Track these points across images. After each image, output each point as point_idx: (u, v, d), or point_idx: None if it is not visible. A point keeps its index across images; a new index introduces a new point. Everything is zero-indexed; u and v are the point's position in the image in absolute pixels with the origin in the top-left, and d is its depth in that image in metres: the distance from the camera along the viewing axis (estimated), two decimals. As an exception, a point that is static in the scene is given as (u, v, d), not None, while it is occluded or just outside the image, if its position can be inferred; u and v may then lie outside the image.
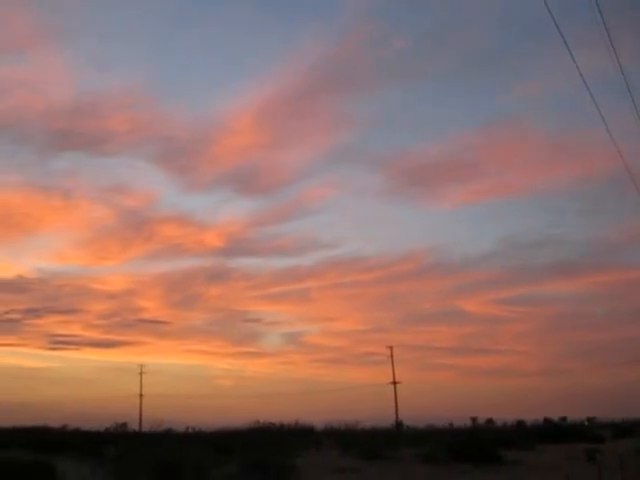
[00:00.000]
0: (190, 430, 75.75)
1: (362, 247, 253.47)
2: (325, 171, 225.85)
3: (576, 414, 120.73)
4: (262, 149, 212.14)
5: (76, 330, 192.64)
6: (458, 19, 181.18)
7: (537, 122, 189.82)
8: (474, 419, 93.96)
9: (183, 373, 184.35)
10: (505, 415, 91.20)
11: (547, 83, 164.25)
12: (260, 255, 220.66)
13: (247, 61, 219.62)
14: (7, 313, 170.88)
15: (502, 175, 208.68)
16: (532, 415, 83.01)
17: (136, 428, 75.60)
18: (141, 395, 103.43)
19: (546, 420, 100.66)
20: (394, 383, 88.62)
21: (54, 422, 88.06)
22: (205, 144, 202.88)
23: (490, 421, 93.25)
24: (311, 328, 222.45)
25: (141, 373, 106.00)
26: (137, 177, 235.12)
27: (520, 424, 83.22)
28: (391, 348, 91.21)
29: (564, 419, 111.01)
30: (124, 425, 67.14)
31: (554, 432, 71.14)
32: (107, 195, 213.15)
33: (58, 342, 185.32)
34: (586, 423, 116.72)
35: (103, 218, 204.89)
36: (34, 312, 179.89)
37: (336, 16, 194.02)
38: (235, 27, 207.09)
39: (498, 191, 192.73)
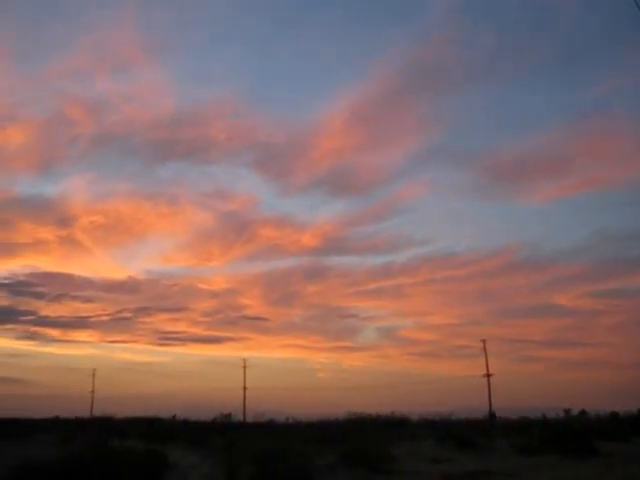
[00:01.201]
0: (290, 421, 77.85)
1: (454, 243, 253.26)
2: (416, 170, 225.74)
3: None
4: (355, 151, 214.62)
5: (183, 327, 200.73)
6: (546, 11, 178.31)
7: (630, 113, 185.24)
8: (567, 411, 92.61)
9: (283, 367, 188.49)
10: (598, 407, 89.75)
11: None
12: (355, 253, 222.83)
13: (339, 65, 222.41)
14: (120, 312, 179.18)
15: (594, 168, 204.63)
16: (626, 407, 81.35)
17: (240, 419, 78.38)
18: (245, 387, 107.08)
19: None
20: (487, 375, 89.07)
21: (164, 413, 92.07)
22: (300, 148, 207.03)
23: (583, 413, 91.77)
24: (405, 323, 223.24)
25: (244, 367, 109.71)
26: (237, 182, 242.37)
27: (614, 416, 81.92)
28: (484, 341, 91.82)
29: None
30: (229, 416, 69.72)
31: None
32: (209, 200, 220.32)
33: (166, 338, 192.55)
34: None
35: (206, 222, 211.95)
36: (144, 310, 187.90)
37: (422, 17, 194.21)
38: (327, 33, 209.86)
39: (590, 184, 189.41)
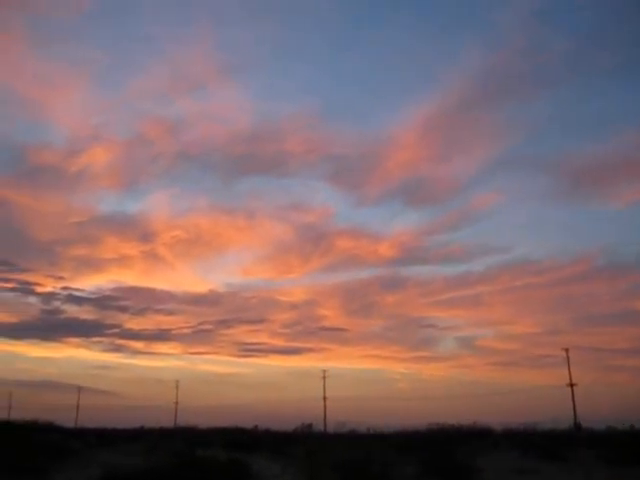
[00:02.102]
0: (371, 431, 77.53)
1: (532, 250, 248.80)
2: (491, 178, 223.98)
3: None
4: (429, 161, 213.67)
5: (263, 338, 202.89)
6: (618, 14, 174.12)
7: None
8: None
9: (363, 377, 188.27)
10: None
11: None
12: (431, 263, 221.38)
13: (410, 77, 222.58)
14: (201, 324, 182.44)
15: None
16: None
17: (321, 429, 78.47)
18: (325, 398, 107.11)
19: None
20: (571, 385, 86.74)
21: (246, 423, 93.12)
22: (374, 160, 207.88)
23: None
24: (485, 332, 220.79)
25: (324, 377, 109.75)
26: (313, 195, 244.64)
27: None
28: (566, 350, 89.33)
29: None
30: (310, 426, 69.77)
31: None
32: (286, 213, 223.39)
33: (247, 350, 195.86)
34: None
35: (284, 235, 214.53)
36: (225, 323, 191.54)
37: (494, 26, 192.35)
38: (396, 45, 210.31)
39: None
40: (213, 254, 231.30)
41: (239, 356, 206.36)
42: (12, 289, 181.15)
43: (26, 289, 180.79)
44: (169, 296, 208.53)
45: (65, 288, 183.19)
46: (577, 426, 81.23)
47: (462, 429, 63.14)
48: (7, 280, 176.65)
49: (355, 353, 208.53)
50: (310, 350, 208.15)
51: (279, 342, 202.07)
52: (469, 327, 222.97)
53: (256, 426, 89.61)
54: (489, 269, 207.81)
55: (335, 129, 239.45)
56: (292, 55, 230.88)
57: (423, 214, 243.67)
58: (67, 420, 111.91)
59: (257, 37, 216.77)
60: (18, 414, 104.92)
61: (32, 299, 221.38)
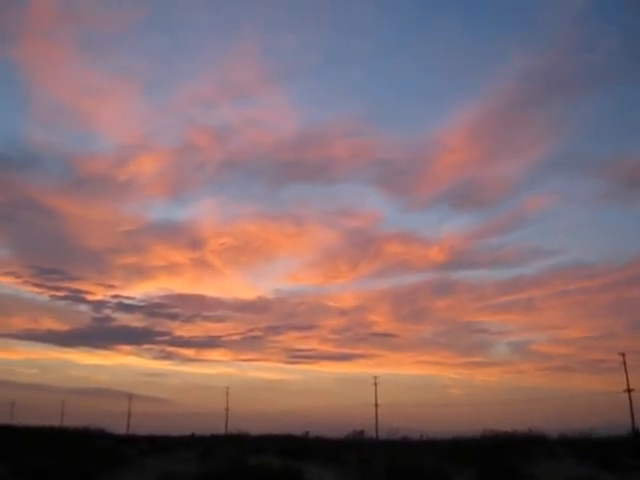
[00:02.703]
0: (424, 438, 76.84)
1: (586, 254, 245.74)
2: (542, 180, 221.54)
3: None
4: (478, 163, 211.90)
5: (312, 344, 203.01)
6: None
7: None
8: None
9: (414, 383, 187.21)
10: None
11: None
12: (482, 267, 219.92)
13: (457, 78, 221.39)
14: (251, 331, 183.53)
15: None
16: None
17: (373, 435, 78.05)
18: (376, 404, 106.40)
19: None
20: (628, 391, 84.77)
21: (297, 430, 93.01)
22: (422, 164, 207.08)
23: None
24: (538, 337, 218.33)
25: (375, 384, 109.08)
26: (361, 200, 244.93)
27: None
28: (623, 355, 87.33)
29: None
30: (361, 433, 69.41)
31: None
32: (334, 219, 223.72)
33: (297, 356, 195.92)
34: None
35: (332, 240, 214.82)
36: (274, 329, 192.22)
37: (542, 26, 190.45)
38: (443, 48, 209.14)
39: None
40: (261, 260, 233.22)
41: (289, 362, 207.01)
42: (64, 297, 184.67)
43: (77, 297, 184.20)
44: (218, 303, 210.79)
45: (115, 296, 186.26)
46: (636, 433, 79.37)
47: (516, 436, 62.08)
48: (59, 289, 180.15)
49: (406, 359, 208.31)
50: (360, 356, 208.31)
51: (329, 348, 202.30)
52: (521, 332, 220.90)
53: (307, 433, 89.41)
54: (541, 273, 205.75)
55: (382, 133, 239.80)
56: (338, 60, 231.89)
57: (473, 217, 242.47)
58: (119, 427, 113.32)
59: (303, 43, 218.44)
60: (70, 421, 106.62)
61: (83, 307, 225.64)
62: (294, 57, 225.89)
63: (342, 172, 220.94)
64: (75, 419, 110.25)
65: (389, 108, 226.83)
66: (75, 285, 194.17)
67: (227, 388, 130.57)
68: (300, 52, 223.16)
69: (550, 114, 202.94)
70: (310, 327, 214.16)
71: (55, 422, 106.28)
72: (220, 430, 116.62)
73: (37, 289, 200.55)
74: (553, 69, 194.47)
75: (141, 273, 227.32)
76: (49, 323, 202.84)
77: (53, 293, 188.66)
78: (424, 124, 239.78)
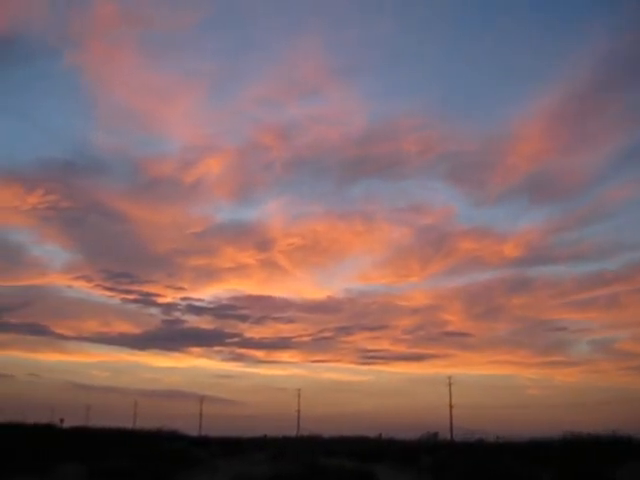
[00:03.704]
0: (501, 440, 75.14)
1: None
2: (625, 169, 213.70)
3: None
4: (554, 154, 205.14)
5: (384, 345, 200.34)
6: None
7: None
8: None
9: (490, 384, 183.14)
10: None
11: None
12: (561, 262, 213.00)
13: (531, 64, 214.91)
14: (321, 332, 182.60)
15: None
16: None
17: (448, 437, 76.81)
18: (451, 406, 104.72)
19: None
20: None
21: (369, 432, 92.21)
22: (495, 155, 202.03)
23: None
24: (621, 334, 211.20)
25: (450, 384, 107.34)
26: (432, 195, 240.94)
27: None
28: None
29: None
30: (436, 435, 68.40)
31: None
32: (404, 215, 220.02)
33: (368, 357, 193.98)
34: None
35: (403, 238, 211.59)
36: (345, 330, 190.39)
37: (624, 6, 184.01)
38: (516, 32, 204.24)
39: None
40: (330, 260, 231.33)
41: (360, 363, 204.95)
42: (134, 300, 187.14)
43: (147, 300, 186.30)
44: (287, 304, 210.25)
45: (185, 298, 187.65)
46: None
47: (600, 438, 59.87)
48: (129, 292, 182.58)
49: (481, 359, 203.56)
50: (433, 356, 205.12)
51: (401, 349, 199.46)
52: (604, 329, 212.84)
53: (380, 435, 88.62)
54: (624, 267, 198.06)
55: (452, 125, 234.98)
56: (404, 53, 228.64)
57: (550, 211, 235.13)
58: (191, 429, 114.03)
59: (368, 37, 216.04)
60: (143, 423, 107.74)
61: (153, 310, 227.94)
62: (360, 51, 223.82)
63: (412, 167, 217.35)
64: (147, 421, 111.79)
65: (459, 98, 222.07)
66: (145, 288, 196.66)
67: (299, 390, 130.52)
68: (366, 46, 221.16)
69: (632, 100, 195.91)
70: (381, 327, 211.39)
71: (128, 424, 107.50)
72: (292, 432, 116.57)
73: (108, 293, 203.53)
74: (636, 52, 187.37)
75: (210, 275, 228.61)
76: (121, 326, 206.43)
77: (124, 296, 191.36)
78: (497, 114, 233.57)
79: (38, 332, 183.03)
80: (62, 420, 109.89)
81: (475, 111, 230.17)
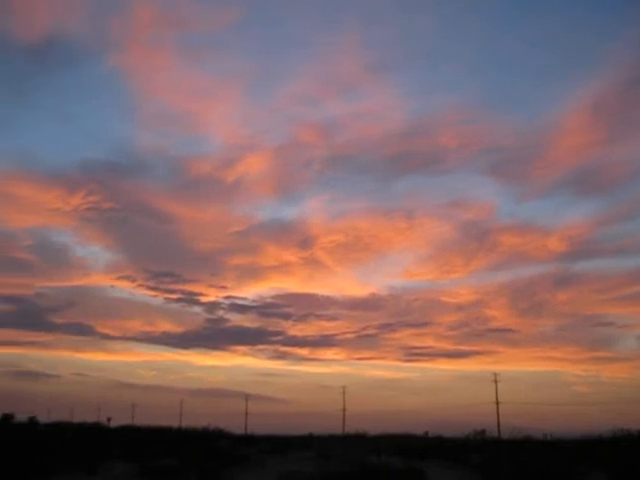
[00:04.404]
0: (549, 437, 74.06)
1: None
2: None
3: None
4: (599, 146, 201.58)
5: (429, 342, 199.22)
6: None
7: None
8: None
9: (536, 380, 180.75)
10: None
11: None
12: (607, 256, 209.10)
13: (573, 54, 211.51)
14: (364, 329, 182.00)
15: None
16: None
17: (495, 435, 75.89)
18: (497, 403, 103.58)
19: None
20: None
21: (415, 429, 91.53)
22: (537, 149, 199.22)
23: None
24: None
25: (495, 381, 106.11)
26: (473, 190, 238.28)
27: None
28: None
29: None
30: (483, 432, 67.48)
31: None
32: (446, 211, 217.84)
33: (413, 354, 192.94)
34: None
35: (445, 233, 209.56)
36: (389, 327, 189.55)
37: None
38: (558, 23, 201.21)
39: None
40: (373, 257, 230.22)
41: (405, 361, 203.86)
42: (178, 300, 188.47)
43: (191, 299, 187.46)
44: (330, 301, 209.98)
45: (228, 297, 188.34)
46: None
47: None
48: (173, 291, 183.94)
49: (526, 355, 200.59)
50: (478, 353, 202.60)
51: (445, 345, 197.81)
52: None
53: (427, 432, 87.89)
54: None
55: (493, 119, 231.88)
56: (443, 47, 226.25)
57: (595, 204, 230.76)
58: (236, 427, 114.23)
59: (406, 32, 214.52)
60: (189, 421, 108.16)
61: (197, 309, 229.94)
62: (398, 46, 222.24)
63: (453, 162, 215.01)
64: (193, 419, 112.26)
65: (500, 91, 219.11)
66: (188, 287, 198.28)
67: (344, 387, 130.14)
68: (403, 40, 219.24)
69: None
70: (425, 324, 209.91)
71: (174, 422, 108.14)
72: (337, 430, 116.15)
73: (151, 292, 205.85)
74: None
75: (252, 273, 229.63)
76: (165, 325, 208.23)
77: (167, 296, 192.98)
78: (539, 106, 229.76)
79: (83, 332, 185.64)
80: (109, 419, 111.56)
81: (515, 105, 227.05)
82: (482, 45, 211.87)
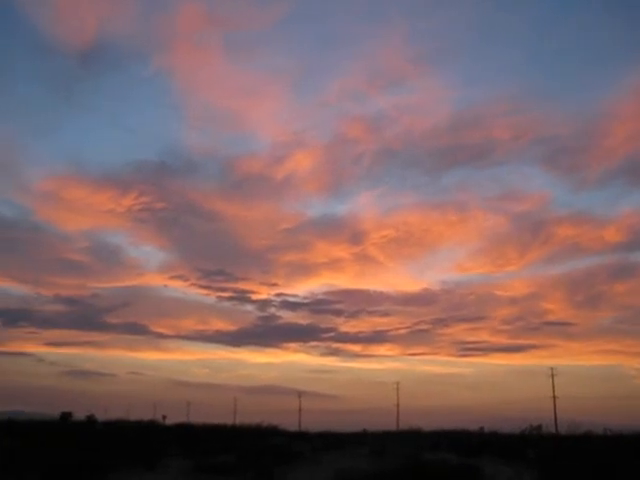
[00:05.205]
0: (609, 432, 72.84)
1: None
2: None
3: None
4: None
5: (483, 336, 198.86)
6: None
7: None
8: None
9: (594, 374, 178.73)
10: None
11: None
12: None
13: (627, 39, 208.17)
14: (417, 324, 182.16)
15: None
16: None
17: (552, 430, 74.73)
18: (554, 397, 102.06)
19: None
20: None
21: (470, 425, 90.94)
22: (592, 137, 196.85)
23: None
24: None
25: (552, 375, 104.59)
26: (526, 181, 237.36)
27: None
28: None
29: None
30: (539, 428, 66.45)
31: None
32: (499, 203, 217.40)
33: (467, 349, 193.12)
34: None
35: (497, 226, 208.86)
36: (442, 322, 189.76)
37: None
38: (606, 15, 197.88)
39: None
40: (425, 251, 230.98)
41: (459, 356, 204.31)
42: (229, 298, 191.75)
43: (242, 297, 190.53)
44: (382, 297, 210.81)
45: (279, 294, 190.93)
46: None
47: None
48: (224, 290, 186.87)
49: (584, 349, 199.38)
50: (534, 347, 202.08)
51: (500, 340, 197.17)
52: None
53: (482, 428, 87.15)
54: None
55: (545, 109, 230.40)
56: (490, 37, 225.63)
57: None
58: (290, 424, 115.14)
59: (451, 24, 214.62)
60: (243, 418, 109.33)
61: (249, 307, 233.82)
62: (443, 38, 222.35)
63: (504, 153, 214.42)
64: (247, 416, 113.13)
65: (551, 81, 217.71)
66: (240, 285, 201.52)
67: (397, 383, 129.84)
68: (449, 32, 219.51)
69: None
70: (480, 318, 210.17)
71: (228, 420, 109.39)
72: (391, 426, 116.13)
73: (203, 291, 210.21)
74: None
75: (303, 270, 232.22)
76: (217, 324, 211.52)
77: (219, 294, 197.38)
78: (592, 94, 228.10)
79: (138, 331, 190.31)
80: (164, 417, 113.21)
81: (568, 94, 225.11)
82: (532, 35, 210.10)
